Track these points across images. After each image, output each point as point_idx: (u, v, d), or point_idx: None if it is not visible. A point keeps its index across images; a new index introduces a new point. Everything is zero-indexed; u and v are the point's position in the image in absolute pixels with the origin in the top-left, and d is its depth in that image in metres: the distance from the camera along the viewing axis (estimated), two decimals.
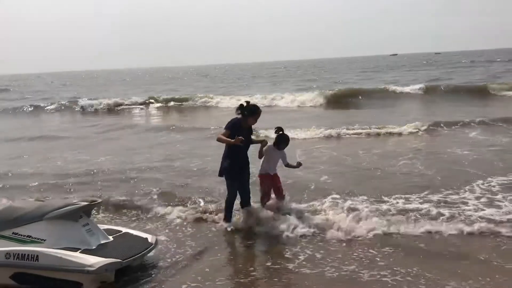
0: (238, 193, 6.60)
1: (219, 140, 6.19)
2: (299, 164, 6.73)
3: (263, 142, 6.62)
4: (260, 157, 6.68)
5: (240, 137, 5.98)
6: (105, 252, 4.95)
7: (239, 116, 6.33)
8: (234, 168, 6.40)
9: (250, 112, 6.31)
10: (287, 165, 6.76)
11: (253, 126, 6.61)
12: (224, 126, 6.32)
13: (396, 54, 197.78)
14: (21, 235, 5.04)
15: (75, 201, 5.26)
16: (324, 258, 5.43)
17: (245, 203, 6.68)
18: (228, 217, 6.61)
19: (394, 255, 5.41)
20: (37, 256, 4.75)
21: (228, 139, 6.09)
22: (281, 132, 6.68)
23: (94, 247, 5.04)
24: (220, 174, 6.56)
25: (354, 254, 5.50)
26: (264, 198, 6.73)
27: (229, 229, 6.41)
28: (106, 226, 5.78)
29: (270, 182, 6.73)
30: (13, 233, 5.05)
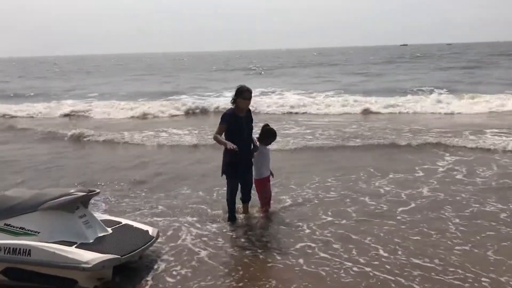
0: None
1: (215, 139, 5.82)
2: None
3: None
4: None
5: (234, 146, 5.56)
6: (103, 247, 4.59)
7: (232, 106, 5.95)
8: (235, 165, 5.97)
9: (236, 94, 5.85)
10: None
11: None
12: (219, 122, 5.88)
13: (406, 45, 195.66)
14: (14, 227, 4.70)
15: (72, 190, 4.88)
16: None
17: (247, 196, 6.34)
18: (232, 216, 6.22)
19: None
20: (29, 250, 4.39)
21: (224, 141, 5.67)
22: (267, 126, 6.33)
23: (91, 241, 4.69)
24: (223, 172, 6.14)
25: None
26: (267, 201, 6.42)
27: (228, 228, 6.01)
28: (105, 217, 5.43)
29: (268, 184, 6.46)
30: (5, 224, 4.71)
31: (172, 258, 5.16)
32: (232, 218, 6.17)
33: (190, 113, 18.38)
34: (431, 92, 21.23)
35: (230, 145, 5.56)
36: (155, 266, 5.00)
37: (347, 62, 59.76)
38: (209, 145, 10.75)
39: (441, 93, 20.41)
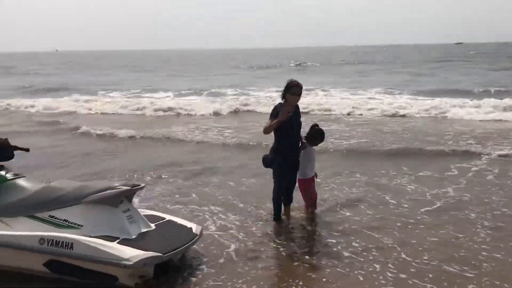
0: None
1: (266, 130, 5.57)
2: None
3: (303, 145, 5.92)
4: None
5: (288, 113, 5.39)
6: (145, 243, 4.45)
7: (282, 101, 5.69)
8: (286, 158, 5.73)
9: (285, 89, 5.62)
10: None
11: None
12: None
13: (462, 43, 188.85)
14: (58, 219, 4.64)
15: (116, 184, 4.77)
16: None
17: (289, 197, 6.09)
18: (278, 215, 5.96)
19: None
20: (72, 244, 4.31)
21: (274, 120, 5.47)
22: (317, 127, 6.06)
23: (134, 237, 4.56)
24: (267, 165, 5.85)
25: None
26: (313, 202, 6.18)
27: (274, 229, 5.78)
28: (149, 212, 5.30)
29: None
30: (49, 215, 4.66)
31: (213, 257, 4.99)
32: (278, 218, 5.93)
33: None
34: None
35: (284, 114, 5.37)
36: (197, 264, 4.84)
37: (407, 60, 57.18)
38: None
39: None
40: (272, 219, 5.95)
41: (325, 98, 20.26)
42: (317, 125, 6.10)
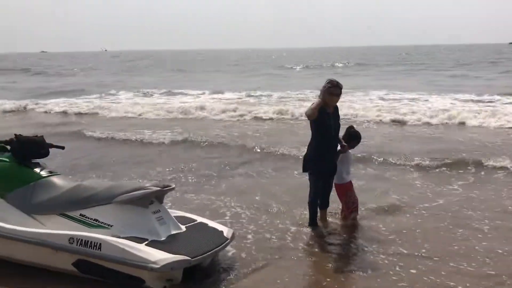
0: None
1: (311, 113, 5.22)
2: None
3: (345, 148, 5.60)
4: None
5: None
6: (174, 246, 4.34)
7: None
8: (323, 161, 5.48)
9: (323, 89, 5.35)
10: None
11: None
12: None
13: None
14: (89, 218, 4.61)
15: (147, 185, 4.69)
16: None
17: (325, 202, 5.83)
18: (314, 220, 5.74)
19: None
20: (100, 244, 4.25)
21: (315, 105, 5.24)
22: (352, 129, 5.83)
23: (163, 239, 4.46)
24: (305, 169, 5.64)
25: None
26: (355, 207, 5.85)
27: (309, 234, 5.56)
28: (180, 213, 5.20)
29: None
30: (80, 214, 4.63)
31: (243, 262, 4.83)
32: (313, 223, 5.71)
33: None
34: None
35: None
36: (227, 269, 4.70)
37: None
38: None
39: None
40: (308, 224, 5.72)
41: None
42: (352, 127, 5.86)
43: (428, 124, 13.23)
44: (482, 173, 7.95)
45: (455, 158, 8.77)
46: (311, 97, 17.17)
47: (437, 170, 8.18)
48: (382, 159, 8.84)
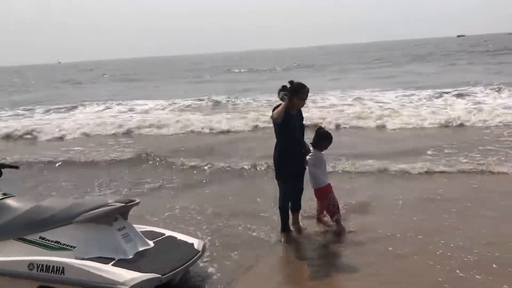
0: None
1: (276, 116, 5.03)
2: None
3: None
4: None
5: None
6: (143, 264, 4.13)
7: (284, 101, 5.15)
8: (288, 164, 5.32)
9: (293, 92, 5.16)
10: None
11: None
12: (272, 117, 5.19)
13: (464, 36, 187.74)
14: (49, 241, 4.32)
15: (110, 201, 4.45)
16: None
17: (297, 205, 5.66)
18: (286, 226, 5.59)
19: None
20: (63, 268, 3.98)
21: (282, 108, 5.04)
22: (322, 129, 5.73)
23: (130, 257, 4.24)
24: (278, 176, 5.48)
25: None
26: (336, 209, 5.63)
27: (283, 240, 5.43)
28: (147, 228, 4.97)
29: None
30: (40, 237, 4.34)
31: (216, 274, 4.67)
32: (286, 229, 5.57)
33: None
34: None
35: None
36: (199, 282, 4.54)
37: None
38: None
39: None
40: (280, 230, 5.58)
41: None
42: (321, 127, 5.80)
43: None
44: None
45: None
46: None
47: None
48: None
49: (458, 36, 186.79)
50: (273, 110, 5.18)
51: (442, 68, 32.59)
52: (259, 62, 64.53)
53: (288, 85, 5.22)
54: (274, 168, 5.50)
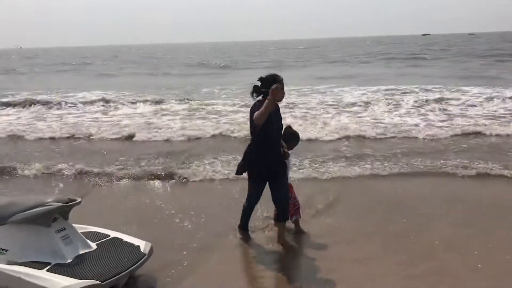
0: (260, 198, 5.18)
1: (260, 117, 4.47)
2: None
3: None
4: None
5: (277, 85, 4.39)
6: (81, 269, 3.84)
7: (258, 98, 4.81)
8: (261, 161, 4.88)
9: (267, 84, 4.59)
10: None
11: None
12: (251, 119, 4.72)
13: (429, 34, 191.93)
14: None
15: (49, 200, 4.12)
16: None
17: (284, 214, 5.06)
18: (244, 225, 5.34)
19: None
20: None
21: (264, 104, 4.44)
22: (290, 129, 5.38)
23: (68, 261, 3.95)
24: (239, 171, 5.04)
25: None
26: (296, 209, 5.37)
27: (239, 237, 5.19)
28: (91, 228, 4.66)
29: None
30: None
31: (164, 279, 4.39)
32: (244, 227, 5.33)
33: None
34: None
35: (273, 90, 4.36)
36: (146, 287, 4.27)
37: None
38: None
39: None
40: (237, 225, 5.36)
41: None
42: (290, 127, 5.42)
43: None
44: None
45: None
46: None
47: None
48: None
49: (423, 35, 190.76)
50: (252, 110, 4.70)
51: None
52: None
53: (259, 83, 4.80)
54: (242, 166, 5.03)
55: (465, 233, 5.24)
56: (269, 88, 4.45)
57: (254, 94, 4.83)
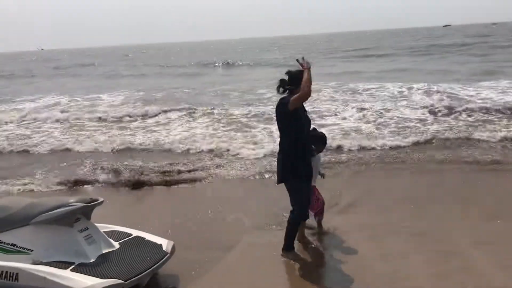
0: None
1: (297, 99, 4.27)
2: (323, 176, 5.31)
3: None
4: None
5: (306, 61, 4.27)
6: (105, 268, 3.86)
7: (285, 94, 4.51)
8: (303, 164, 4.50)
9: (296, 80, 4.36)
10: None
11: None
12: (283, 107, 4.38)
13: (450, 25, 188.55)
14: (5, 243, 4.07)
15: (71, 200, 4.16)
16: None
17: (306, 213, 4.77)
18: (291, 244, 4.75)
19: None
20: (17, 274, 3.72)
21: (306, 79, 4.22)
22: (315, 131, 5.06)
23: (92, 260, 3.97)
24: (283, 179, 4.57)
25: None
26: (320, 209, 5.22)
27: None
28: (113, 228, 4.70)
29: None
30: None
31: (187, 278, 4.38)
32: (290, 247, 4.76)
33: None
34: None
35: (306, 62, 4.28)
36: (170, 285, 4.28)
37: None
38: None
39: None
40: (284, 248, 4.74)
41: None
42: (315, 129, 5.14)
43: None
44: None
45: None
46: None
47: None
48: None
49: (444, 26, 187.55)
50: (279, 108, 4.45)
51: None
52: None
53: (286, 77, 4.55)
54: (280, 169, 4.59)
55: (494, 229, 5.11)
56: (296, 85, 4.33)
57: (281, 89, 4.55)
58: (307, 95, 4.26)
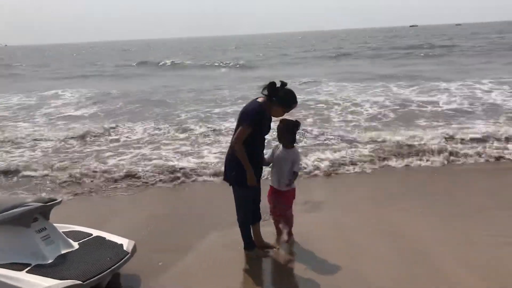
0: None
1: (238, 152, 4.24)
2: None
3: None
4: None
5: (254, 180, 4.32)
6: (62, 269, 3.79)
7: (262, 98, 4.34)
8: (256, 169, 4.43)
9: (282, 101, 4.30)
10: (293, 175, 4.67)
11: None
12: (244, 119, 4.25)
13: (417, 26, 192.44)
14: None
15: (28, 200, 4.06)
16: None
17: (258, 214, 4.79)
18: (250, 242, 4.73)
19: None
20: None
21: (247, 163, 4.25)
22: (285, 118, 4.63)
23: (49, 261, 3.90)
24: (232, 181, 4.50)
25: None
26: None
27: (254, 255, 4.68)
28: (73, 228, 4.60)
29: (274, 198, 4.86)
30: None
31: (147, 278, 4.34)
32: (250, 245, 4.72)
33: None
34: None
35: (251, 179, 4.31)
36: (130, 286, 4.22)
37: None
38: None
39: None
40: (243, 247, 4.73)
41: None
42: (285, 119, 4.67)
43: None
44: None
45: None
46: None
47: None
48: None
49: (411, 26, 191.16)
50: (250, 114, 4.25)
51: None
52: None
53: (279, 84, 4.34)
54: (228, 172, 4.51)
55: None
56: (281, 101, 4.28)
57: (265, 90, 4.33)
58: (237, 150, 4.23)
